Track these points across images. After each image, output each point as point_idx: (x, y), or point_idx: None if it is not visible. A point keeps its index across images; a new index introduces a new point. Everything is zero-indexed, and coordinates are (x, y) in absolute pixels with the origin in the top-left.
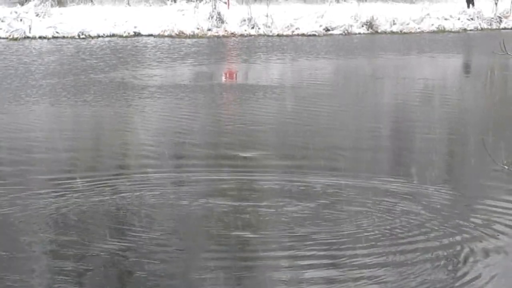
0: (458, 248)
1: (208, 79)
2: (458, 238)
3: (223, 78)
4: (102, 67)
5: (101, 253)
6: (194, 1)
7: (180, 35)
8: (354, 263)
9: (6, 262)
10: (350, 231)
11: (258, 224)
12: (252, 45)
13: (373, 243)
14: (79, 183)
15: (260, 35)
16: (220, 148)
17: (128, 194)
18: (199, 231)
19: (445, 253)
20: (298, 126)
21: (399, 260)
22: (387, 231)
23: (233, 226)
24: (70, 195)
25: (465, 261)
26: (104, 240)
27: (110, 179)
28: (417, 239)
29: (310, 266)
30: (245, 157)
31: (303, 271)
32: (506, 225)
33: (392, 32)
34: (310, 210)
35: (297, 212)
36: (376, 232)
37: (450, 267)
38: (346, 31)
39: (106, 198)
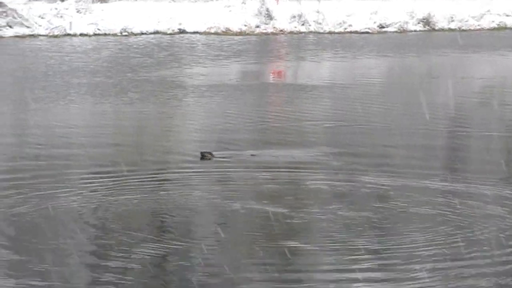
0: None
1: (256, 78)
2: None
3: (271, 77)
4: (147, 66)
5: (141, 256)
6: None
7: (227, 32)
8: (422, 280)
9: (47, 258)
10: (416, 241)
11: (307, 231)
12: (302, 43)
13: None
14: (120, 180)
15: (310, 32)
16: (267, 147)
17: (169, 193)
18: (244, 237)
19: None
20: (349, 125)
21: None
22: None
23: (279, 232)
24: (110, 192)
25: None
26: (144, 242)
27: (152, 178)
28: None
29: (367, 281)
30: (293, 156)
31: None
32: None
33: (450, 30)
34: (364, 215)
35: (350, 218)
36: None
37: None
38: (401, 28)
39: (147, 196)
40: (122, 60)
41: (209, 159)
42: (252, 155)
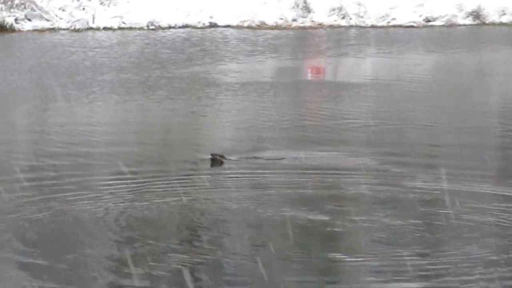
0: None
1: (293, 75)
2: None
3: (309, 74)
4: (176, 62)
5: (166, 268)
6: None
7: (261, 26)
8: None
9: (70, 265)
10: (471, 254)
11: (349, 241)
12: (342, 38)
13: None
14: (145, 184)
15: (351, 26)
16: (304, 148)
17: (198, 198)
18: (279, 248)
19: None
20: (393, 125)
21: None
22: None
23: (318, 242)
24: (134, 196)
25: None
26: (170, 252)
27: (179, 181)
28: None
29: None
30: (332, 158)
31: None
32: None
33: (502, 24)
34: (411, 222)
35: (396, 226)
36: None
37: None
38: (449, 22)
39: (174, 201)
40: (149, 56)
41: (221, 163)
42: (280, 158)
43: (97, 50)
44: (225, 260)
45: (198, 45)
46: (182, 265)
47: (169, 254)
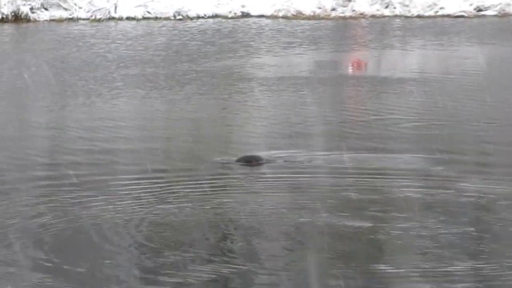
0: None
1: (332, 69)
2: None
3: (351, 69)
4: (206, 54)
5: (193, 279)
6: None
7: (298, 16)
8: None
9: (89, 274)
10: None
11: (396, 251)
12: (386, 29)
13: None
14: (170, 186)
15: (395, 16)
16: (345, 147)
17: (228, 202)
18: (318, 259)
19: None
20: (442, 123)
21: None
22: None
23: (362, 252)
24: (158, 199)
25: None
26: (197, 261)
27: (208, 183)
28: None
29: None
30: (376, 159)
31: None
32: None
33: None
34: (465, 230)
35: (448, 234)
36: None
37: None
38: (502, 12)
39: (202, 205)
40: (177, 48)
41: (254, 163)
42: (304, 161)
43: (120, 42)
44: (259, 271)
45: (229, 37)
46: (214, 274)
47: (198, 263)
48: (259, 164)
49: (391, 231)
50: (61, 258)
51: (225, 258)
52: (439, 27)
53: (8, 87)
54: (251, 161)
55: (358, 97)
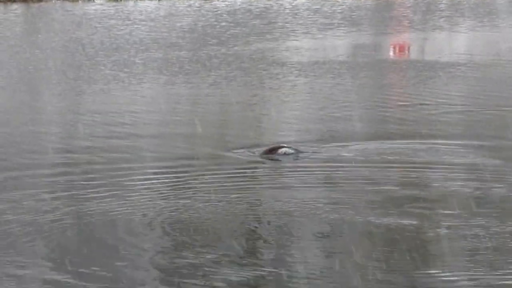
0: None
1: (373, 53)
2: None
3: (393, 52)
4: (236, 37)
5: (219, 284)
6: None
7: None
8: None
9: (103, 277)
10: None
11: (446, 253)
12: (432, 9)
13: None
14: (192, 179)
15: None
16: (387, 137)
17: (256, 196)
18: (358, 258)
19: None
20: (494, 112)
21: None
22: None
23: (404, 253)
24: (179, 194)
25: None
26: (223, 263)
27: (234, 175)
28: None
29: None
30: (421, 150)
31: None
32: None
33: None
34: None
35: (503, 233)
36: None
37: None
38: None
39: (227, 200)
40: (204, 30)
41: (289, 154)
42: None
43: (141, 23)
44: (291, 275)
45: (261, 18)
46: (240, 278)
47: (223, 265)
48: (289, 155)
49: (437, 230)
50: (73, 258)
51: (253, 261)
52: (490, 6)
53: (21, 72)
54: (278, 151)
55: (400, 83)
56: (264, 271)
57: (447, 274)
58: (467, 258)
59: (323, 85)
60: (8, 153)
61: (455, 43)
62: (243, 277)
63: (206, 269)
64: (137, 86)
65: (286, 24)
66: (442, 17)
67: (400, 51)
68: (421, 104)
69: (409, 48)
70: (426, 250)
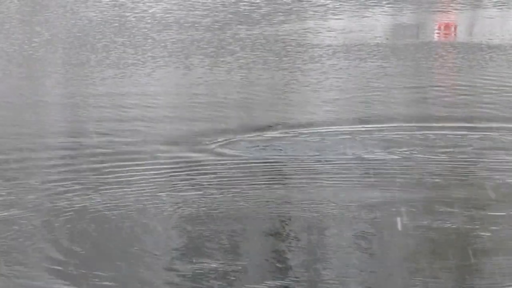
0: None
1: (415, 34)
2: None
3: (437, 34)
4: (255, 17)
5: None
6: None
7: None
8: None
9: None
10: None
11: (497, 261)
12: None
13: None
14: (211, 170)
15: None
16: (439, 128)
17: (287, 189)
18: (404, 267)
19: None
20: None
21: None
22: None
23: (455, 262)
24: (193, 183)
25: None
26: (250, 271)
27: (257, 166)
28: None
29: None
30: (469, 137)
31: None
32: None
33: None
34: None
35: None
36: None
37: None
38: None
39: (255, 194)
40: (224, 8)
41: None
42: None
43: (150, 3)
44: (324, 285)
45: None
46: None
47: (244, 274)
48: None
49: (501, 236)
50: (76, 259)
51: (284, 266)
52: None
53: (21, 53)
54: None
55: (445, 67)
56: (294, 279)
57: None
58: None
59: (357, 70)
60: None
61: (507, 24)
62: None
63: (222, 279)
64: (153, 70)
65: (315, 2)
66: None
67: (446, 32)
68: (469, 90)
69: (455, 28)
70: (477, 257)
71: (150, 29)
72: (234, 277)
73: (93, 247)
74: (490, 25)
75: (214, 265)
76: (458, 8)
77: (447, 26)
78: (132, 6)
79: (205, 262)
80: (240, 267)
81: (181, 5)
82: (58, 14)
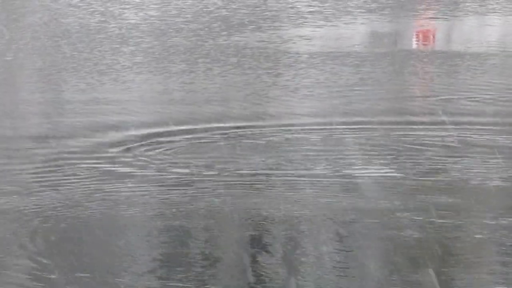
0: None
1: (391, 42)
2: None
3: (414, 42)
4: (234, 24)
5: None
6: None
7: None
8: None
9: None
10: None
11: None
12: None
13: None
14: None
15: None
16: (416, 136)
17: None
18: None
19: None
20: None
21: None
22: None
23: (480, 270)
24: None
25: None
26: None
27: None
28: None
29: None
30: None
31: None
32: None
33: None
34: None
35: None
36: None
37: None
38: None
39: (237, 199)
40: (206, 15)
41: None
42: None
43: (136, 7)
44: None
45: (264, 6)
46: None
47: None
48: None
49: (469, 239)
50: (60, 264)
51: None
52: None
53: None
54: None
55: (425, 76)
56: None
57: None
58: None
59: (335, 78)
60: None
61: (487, 30)
62: None
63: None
64: (130, 78)
65: (291, 12)
66: (471, 1)
67: (424, 40)
68: (450, 96)
69: (434, 36)
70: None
71: (129, 36)
72: None
73: None
74: (470, 32)
75: None
76: (438, 14)
77: (425, 33)
78: (113, 13)
79: None
80: None
81: (163, 11)
82: (37, 20)
